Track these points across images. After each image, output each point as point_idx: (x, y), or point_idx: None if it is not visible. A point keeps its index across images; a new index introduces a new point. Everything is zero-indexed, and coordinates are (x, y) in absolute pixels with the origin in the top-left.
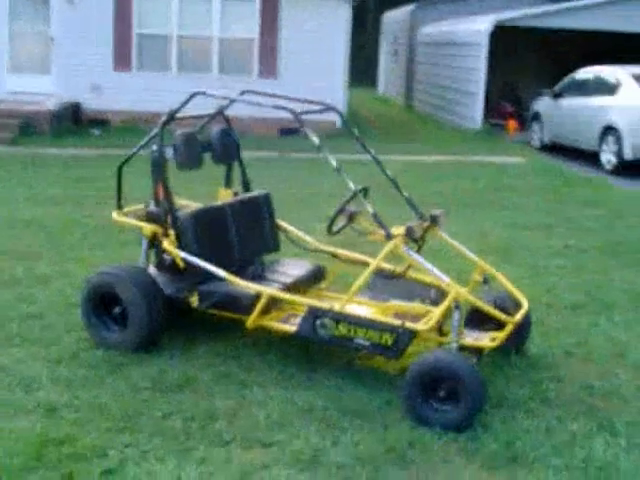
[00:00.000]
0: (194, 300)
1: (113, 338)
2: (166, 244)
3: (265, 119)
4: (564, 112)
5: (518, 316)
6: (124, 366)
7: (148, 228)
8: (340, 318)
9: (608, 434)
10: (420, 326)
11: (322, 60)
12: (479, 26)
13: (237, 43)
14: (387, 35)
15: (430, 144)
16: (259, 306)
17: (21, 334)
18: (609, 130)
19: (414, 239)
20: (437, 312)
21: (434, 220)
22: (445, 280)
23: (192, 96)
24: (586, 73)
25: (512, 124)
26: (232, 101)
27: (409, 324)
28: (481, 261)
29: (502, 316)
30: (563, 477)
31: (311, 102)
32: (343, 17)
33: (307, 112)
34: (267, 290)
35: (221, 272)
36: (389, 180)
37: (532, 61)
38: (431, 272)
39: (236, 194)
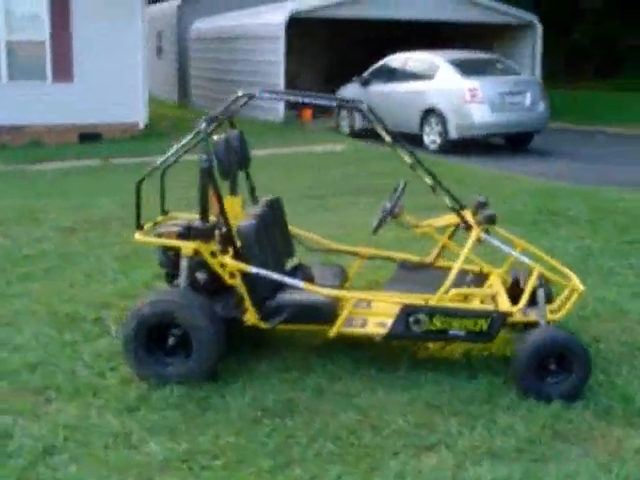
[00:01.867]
0: (252, 318)
1: (173, 372)
2: (229, 260)
3: (63, 125)
4: (377, 98)
5: (581, 286)
6: (210, 399)
7: (190, 246)
8: (435, 312)
9: None
10: (512, 308)
11: (119, 62)
12: (274, 18)
13: (26, 46)
14: (150, 32)
15: None
16: (345, 312)
17: (54, 385)
18: (430, 113)
19: (492, 223)
20: (526, 293)
21: (482, 206)
22: (526, 261)
23: (237, 99)
24: (398, 60)
25: (306, 113)
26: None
27: (502, 307)
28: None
29: (573, 282)
30: None
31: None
32: (139, 17)
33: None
34: (352, 294)
35: (299, 283)
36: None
37: (327, 51)
38: (512, 254)
39: (256, 199)
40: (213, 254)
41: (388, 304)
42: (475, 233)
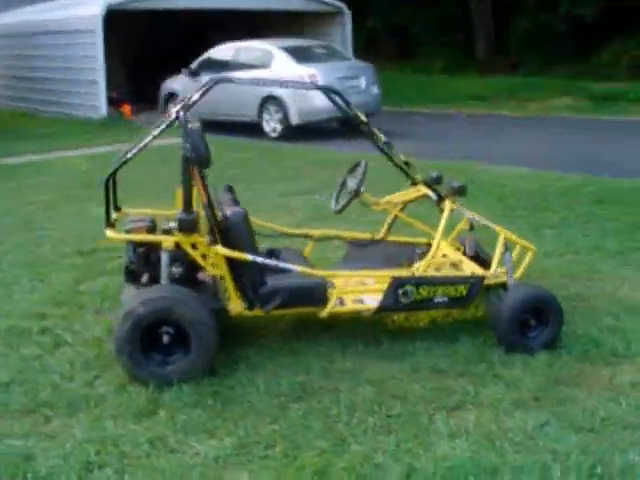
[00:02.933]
0: (237, 307)
1: (173, 370)
2: (221, 250)
3: None
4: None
5: (533, 246)
6: (224, 392)
7: (171, 240)
8: (421, 282)
9: None
10: (487, 273)
11: None
12: (89, 10)
13: None
14: None
15: (67, 139)
16: (337, 291)
17: (42, 402)
18: (269, 100)
19: (463, 194)
20: (496, 257)
21: (437, 180)
22: (494, 227)
23: (214, 84)
24: (228, 49)
25: (126, 108)
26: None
27: (479, 272)
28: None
29: (526, 244)
30: None
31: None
32: None
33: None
34: (342, 273)
35: (294, 266)
36: (385, 144)
37: (143, 44)
38: (480, 222)
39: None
40: (194, 246)
41: (377, 279)
42: (449, 204)
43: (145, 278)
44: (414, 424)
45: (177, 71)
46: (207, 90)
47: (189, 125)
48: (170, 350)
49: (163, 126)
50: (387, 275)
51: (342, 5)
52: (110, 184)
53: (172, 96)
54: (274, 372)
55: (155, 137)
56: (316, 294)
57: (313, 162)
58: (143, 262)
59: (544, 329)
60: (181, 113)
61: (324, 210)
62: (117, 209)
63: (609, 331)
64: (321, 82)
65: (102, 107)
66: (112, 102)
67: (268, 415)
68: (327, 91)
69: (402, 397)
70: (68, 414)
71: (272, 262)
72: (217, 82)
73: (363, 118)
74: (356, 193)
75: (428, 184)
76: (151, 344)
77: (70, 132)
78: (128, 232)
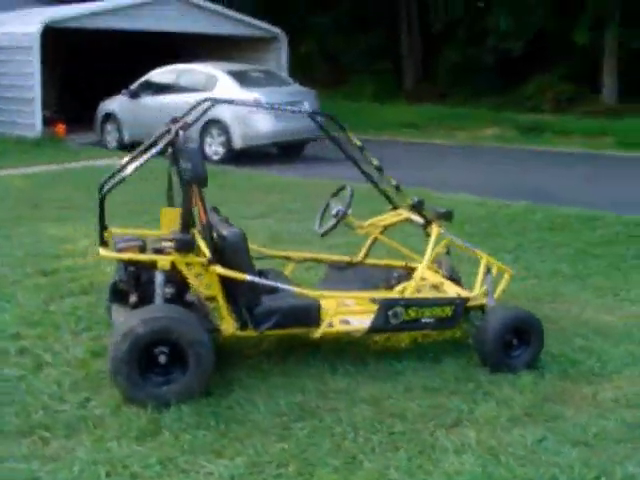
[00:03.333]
0: (230, 327)
1: (170, 391)
2: (220, 269)
3: None
4: (148, 110)
5: (510, 269)
6: (224, 412)
7: (166, 260)
8: (410, 304)
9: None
10: (471, 294)
11: None
12: (27, 28)
13: None
14: None
15: (3, 157)
16: (331, 312)
17: (37, 424)
18: (212, 123)
19: (448, 219)
20: (479, 279)
21: (420, 205)
22: (477, 250)
23: (212, 105)
24: (169, 71)
25: (60, 128)
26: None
27: (463, 294)
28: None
29: (504, 267)
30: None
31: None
32: None
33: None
34: (336, 295)
35: (291, 287)
36: (376, 169)
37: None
38: (467, 247)
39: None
40: (189, 266)
41: (367, 300)
42: (436, 229)
43: (133, 298)
44: (418, 441)
45: (113, 92)
46: (206, 110)
47: (188, 145)
48: (166, 371)
49: (162, 144)
50: (379, 297)
51: (278, 31)
52: (104, 202)
53: (109, 117)
54: (269, 393)
55: (153, 155)
56: (310, 315)
57: (260, 186)
58: (133, 282)
59: (526, 349)
60: (181, 132)
61: (282, 234)
62: (103, 228)
63: (582, 351)
64: None
65: (37, 126)
66: (46, 121)
67: (273, 434)
68: (320, 117)
69: (400, 415)
70: (66, 436)
71: (270, 283)
72: (215, 102)
73: (358, 143)
74: (343, 216)
75: (417, 209)
76: (148, 365)
77: (5, 151)
78: (120, 251)
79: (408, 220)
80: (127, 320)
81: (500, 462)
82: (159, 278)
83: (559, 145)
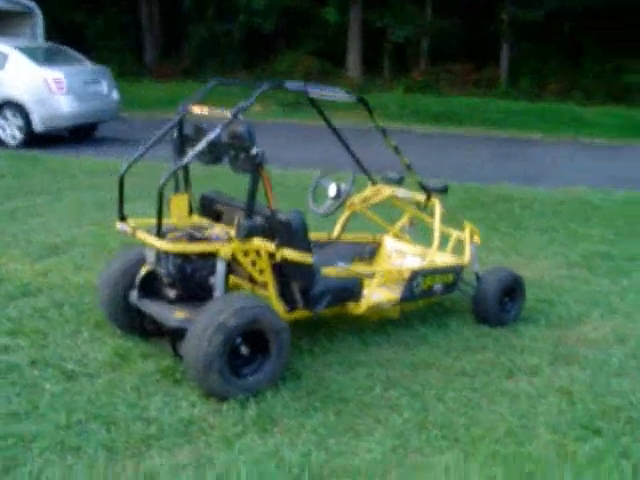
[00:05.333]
0: (280, 310)
1: (255, 381)
2: (290, 254)
3: None
4: None
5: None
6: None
7: (229, 248)
8: (428, 272)
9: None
10: (465, 261)
11: None
12: None
13: None
14: None
15: None
16: (371, 288)
17: (159, 434)
18: (6, 105)
19: (446, 192)
20: (467, 247)
21: (400, 181)
22: (465, 224)
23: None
24: None
25: None
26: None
27: (460, 261)
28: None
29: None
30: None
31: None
32: None
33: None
34: (381, 268)
35: (343, 265)
36: (394, 150)
37: None
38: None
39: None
40: (246, 253)
41: (395, 273)
42: (438, 203)
43: (174, 292)
44: (501, 390)
45: None
46: (262, 92)
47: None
48: (250, 360)
49: (222, 125)
50: (407, 269)
51: (33, 5)
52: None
53: None
54: (346, 369)
55: (216, 136)
56: (355, 292)
57: (88, 172)
58: (180, 275)
59: (514, 305)
60: (240, 115)
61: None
62: (122, 218)
63: (542, 302)
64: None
65: None
66: None
67: (385, 407)
68: (362, 102)
69: (463, 372)
70: (189, 442)
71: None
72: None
73: (381, 125)
74: (347, 196)
75: (422, 185)
76: (235, 357)
77: None
78: (175, 242)
79: (394, 196)
80: (214, 312)
81: (573, 398)
82: (221, 267)
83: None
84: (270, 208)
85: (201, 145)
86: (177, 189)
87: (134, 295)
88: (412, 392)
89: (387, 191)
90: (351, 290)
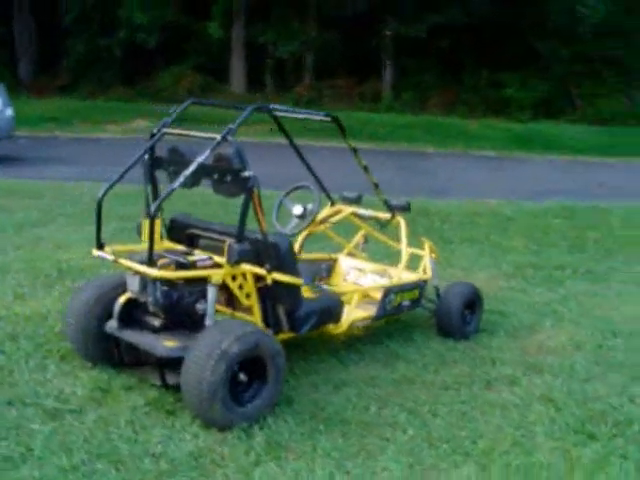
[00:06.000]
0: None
1: (253, 408)
2: (280, 277)
3: None
4: None
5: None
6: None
7: (219, 274)
8: (399, 289)
9: None
10: (427, 277)
11: None
12: None
13: None
14: None
15: None
16: (350, 307)
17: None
18: None
19: (407, 211)
20: (427, 265)
21: (358, 200)
22: (424, 240)
23: (254, 110)
24: None
25: None
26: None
27: (423, 277)
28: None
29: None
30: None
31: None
32: None
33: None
34: (353, 289)
35: (325, 287)
36: (363, 169)
37: None
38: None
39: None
40: (234, 278)
41: (371, 291)
42: (402, 220)
43: (159, 321)
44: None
45: None
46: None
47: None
48: (247, 387)
49: (211, 147)
50: (381, 286)
51: None
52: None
53: None
54: (334, 388)
55: (205, 159)
56: (336, 312)
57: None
58: (167, 303)
59: (473, 318)
60: (230, 137)
61: None
62: (100, 246)
63: (492, 313)
64: None
65: None
66: None
67: (395, 426)
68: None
69: (445, 386)
70: (204, 475)
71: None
72: (257, 108)
73: (352, 145)
74: (315, 214)
75: (387, 204)
76: (234, 384)
77: None
78: (163, 268)
79: (354, 214)
80: (215, 340)
81: (558, 405)
82: (211, 294)
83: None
84: (262, 232)
85: (192, 167)
86: (147, 212)
87: (112, 325)
88: (407, 409)
89: (348, 210)
90: (333, 311)
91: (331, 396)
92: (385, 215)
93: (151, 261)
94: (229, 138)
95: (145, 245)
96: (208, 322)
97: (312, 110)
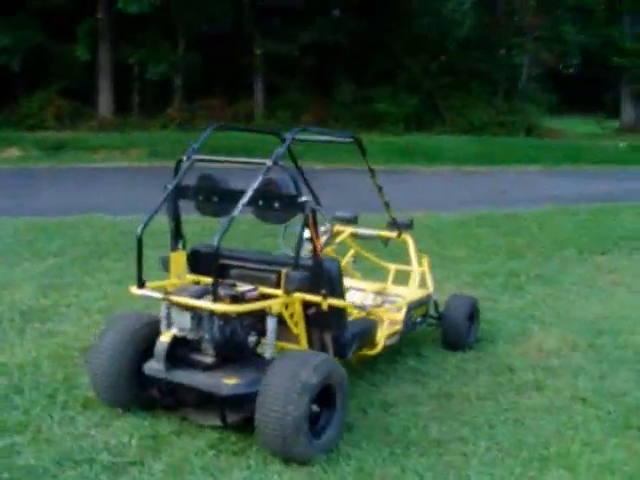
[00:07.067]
0: None
1: (328, 437)
2: (337, 303)
3: None
4: None
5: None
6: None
7: (279, 303)
8: (415, 306)
9: None
10: (430, 292)
11: None
12: None
13: None
14: None
15: None
16: (384, 327)
17: None
18: None
19: (410, 229)
20: (428, 279)
21: (354, 220)
22: (422, 256)
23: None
24: None
25: None
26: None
27: (428, 292)
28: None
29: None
30: None
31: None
32: None
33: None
34: (384, 310)
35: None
36: (377, 189)
37: None
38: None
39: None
40: (286, 306)
41: (398, 308)
42: (410, 238)
43: (211, 358)
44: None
45: None
46: (288, 145)
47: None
48: (319, 416)
49: (262, 172)
50: (405, 302)
51: None
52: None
53: None
54: (381, 407)
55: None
56: (374, 334)
57: None
58: (223, 337)
59: (472, 327)
60: (280, 162)
61: None
62: (141, 284)
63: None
64: None
65: None
66: None
67: (464, 441)
68: (357, 142)
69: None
70: None
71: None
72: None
73: (371, 167)
74: (327, 238)
75: (394, 222)
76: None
77: None
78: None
79: (354, 234)
80: (293, 372)
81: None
82: (272, 324)
83: (94, 161)
84: (317, 257)
85: (249, 194)
86: (175, 246)
87: (153, 366)
88: (464, 422)
89: (348, 230)
90: (371, 332)
91: (385, 418)
92: (391, 234)
93: (216, 296)
94: (280, 163)
95: (174, 280)
96: (268, 355)
97: (336, 132)
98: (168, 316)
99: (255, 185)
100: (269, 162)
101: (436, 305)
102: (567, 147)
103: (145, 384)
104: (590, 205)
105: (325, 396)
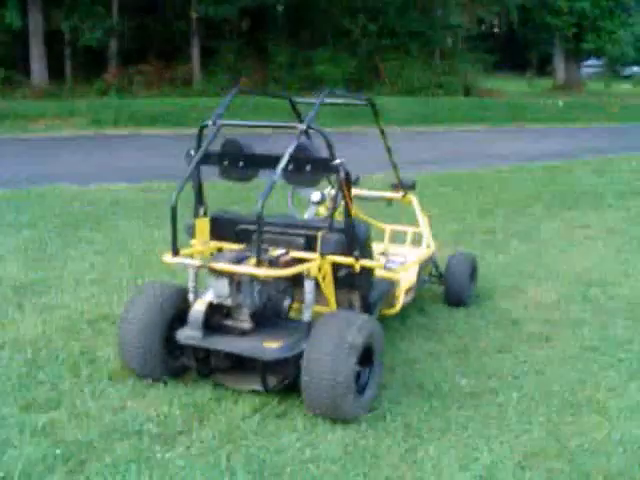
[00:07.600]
0: None
1: (367, 396)
2: (368, 264)
3: None
4: None
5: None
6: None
7: (315, 267)
8: (424, 264)
9: None
10: (433, 250)
11: None
12: None
13: None
14: None
15: None
16: (403, 287)
17: None
18: None
19: (414, 189)
20: (429, 237)
21: (413, 187)
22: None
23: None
24: None
25: None
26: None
27: (433, 251)
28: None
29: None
30: None
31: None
32: None
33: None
34: (402, 270)
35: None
36: (387, 150)
37: None
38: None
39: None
40: (319, 269)
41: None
42: (414, 198)
43: (248, 323)
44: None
45: None
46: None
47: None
48: (359, 376)
49: (297, 136)
50: (417, 259)
51: None
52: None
53: None
54: (408, 371)
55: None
56: (393, 294)
57: None
58: (262, 302)
59: (472, 283)
60: (313, 124)
61: None
62: (176, 252)
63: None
64: None
65: None
66: None
67: (495, 392)
68: (370, 102)
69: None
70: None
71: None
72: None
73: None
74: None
75: (401, 183)
76: None
77: None
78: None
79: (360, 196)
80: (338, 332)
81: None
82: (310, 287)
83: (31, 131)
84: (349, 219)
85: (286, 158)
86: (197, 212)
87: (189, 334)
88: (490, 375)
89: (353, 192)
90: (392, 292)
91: (413, 374)
92: (395, 194)
93: (259, 261)
94: (313, 126)
95: (200, 246)
96: (307, 317)
97: (354, 95)
98: (197, 284)
99: (291, 149)
100: (302, 126)
101: (436, 264)
102: (509, 106)
103: (175, 353)
104: (545, 163)
105: (366, 355)
